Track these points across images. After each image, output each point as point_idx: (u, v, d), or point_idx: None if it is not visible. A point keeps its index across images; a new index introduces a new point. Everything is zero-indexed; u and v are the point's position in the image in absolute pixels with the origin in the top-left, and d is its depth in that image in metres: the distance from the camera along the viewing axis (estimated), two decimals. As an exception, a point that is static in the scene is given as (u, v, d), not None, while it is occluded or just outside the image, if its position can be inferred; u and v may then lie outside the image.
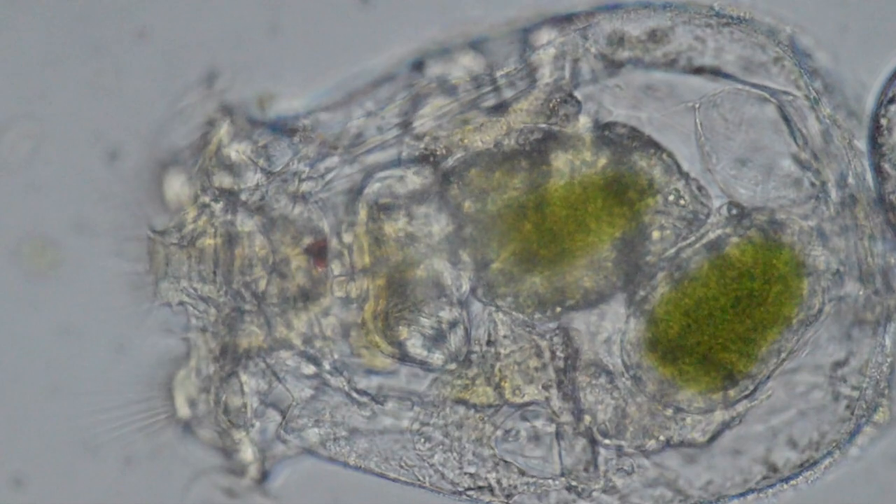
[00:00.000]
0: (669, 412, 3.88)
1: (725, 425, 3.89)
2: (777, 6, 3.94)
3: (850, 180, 3.89)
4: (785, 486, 3.95)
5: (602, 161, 3.84)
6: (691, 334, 3.83)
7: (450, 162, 3.89)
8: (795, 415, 3.91)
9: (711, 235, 3.85)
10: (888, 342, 3.91)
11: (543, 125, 3.88)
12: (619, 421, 3.89)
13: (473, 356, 3.90)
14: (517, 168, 3.85)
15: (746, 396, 3.86)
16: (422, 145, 3.90)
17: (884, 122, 3.90)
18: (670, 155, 3.86)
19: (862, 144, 3.91)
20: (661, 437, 3.89)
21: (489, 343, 3.90)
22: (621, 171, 3.83)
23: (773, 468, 3.93)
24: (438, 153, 3.90)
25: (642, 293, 3.85)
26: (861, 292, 3.88)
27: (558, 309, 3.87)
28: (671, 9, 3.91)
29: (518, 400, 3.91)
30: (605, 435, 3.89)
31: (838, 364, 3.90)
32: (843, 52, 3.94)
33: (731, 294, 3.82)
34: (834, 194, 3.88)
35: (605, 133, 3.86)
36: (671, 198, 3.83)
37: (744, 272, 3.83)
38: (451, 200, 3.87)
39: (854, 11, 3.96)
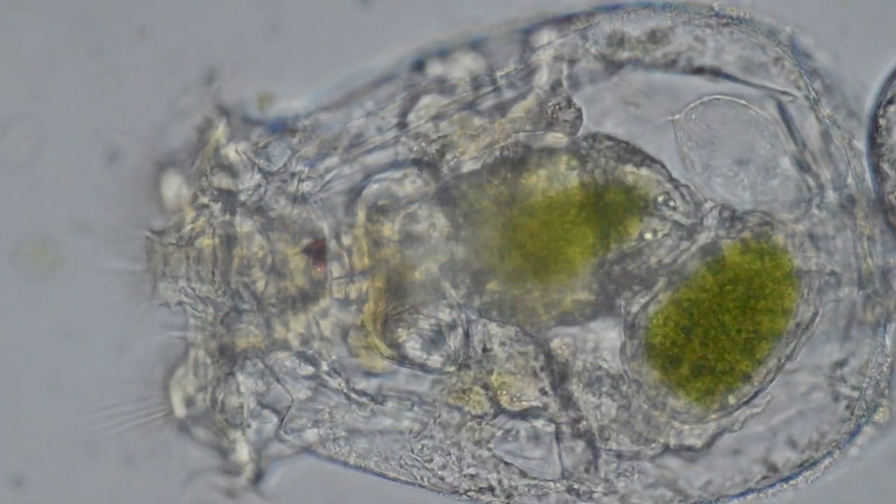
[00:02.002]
0: (666, 418, 3.87)
1: (723, 430, 3.89)
2: (777, 6, 3.94)
3: (850, 181, 3.89)
4: (785, 486, 3.95)
5: (583, 174, 3.83)
6: (686, 341, 3.82)
7: (444, 170, 3.89)
8: (795, 415, 3.91)
9: (705, 240, 3.84)
10: (888, 342, 3.91)
11: (526, 137, 3.87)
12: (621, 425, 3.89)
13: (471, 361, 3.90)
14: (502, 182, 3.85)
15: (745, 403, 3.86)
16: (415, 147, 3.90)
17: (882, 122, 3.89)
18: (660, 163, 3.85)
19: (861, 145, 3.91)
20: (661, 441, 3.89)
21: (484, 351, 3.89)
22: (605, 186, 3.83)
23: (773, 468, 3.93)
24: (433, 155, 3.90)
25: (639, 300, 3.84)
26: (860, 293, 3.88)
27: (552, 322, 3.86)
28: (671, 9, 3.91)
29: (515, 408, 3.91)
30: (606, 439, 3.89)
31: (838, 364, 3.90)
32: (843, 52, 3.94)
33: (726, 299, 3.82)
34: (831, 195, 3.88)
35: (589, 144, 3.85)
36: (661, 199, 3.83)
37: (737, 277, 3.82)
38: (447, 219, 3.86)
39: (854, 11, 3.96)
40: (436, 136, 3.89)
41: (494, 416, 3.91)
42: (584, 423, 3.89)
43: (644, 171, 3.82)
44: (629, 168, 3.83)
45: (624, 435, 3.89)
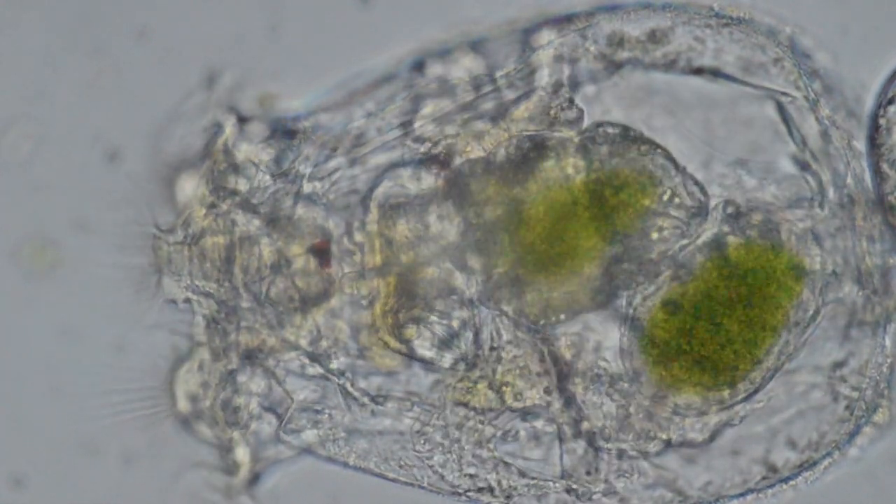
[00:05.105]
0: (667, 413, 3.88)
1: (724, 424, 3.89)
2: (777, 6, 3.94)
3: (849, 181, 3.89)
4: (784, 487, 3.95)
5: (589, 171, 3.83)
6: (687, 336, 3.83)
7: (452, 165, 3.89)
8: (795, 415, 3.91)
9: (708, 234, 3.84)
10: (888, 342, 3.91)
11: (532, 132, 3.87)
12: (621, 424, 3.89)
13: (478, 358, 3.91)
14: (509, 178, 3.84)
15: (745, 399, 3.86)
16: (422, 149, 3.90)
17: (882, 122, 3.90)
18: (665, 151, 3.85)
19: (861, 145, 3.91)
20: (663, 437, 3.89)
21: (492, 348, 3.90)
22: (611, 174, 3.82)
23: (773, 468, 3.93)
24: (440, 157, 3.90)
25: (641, 293, 3.85)
26: (859, 293, 3.88)
27: (562, 316, 3.86)
28: (671, 9, 3.91)
29: (519, 405, 3.91)
30: (607, 439, 3.89)
31: (838, 364, 3.90)
32: (843, 53, 3.94)
33: (729, 295, 3.82)
34: (832, 195, 3.88)
35: (598, 131, 3.85)
36: (665, 197, 3.83)
37: (741, 273, 3.82)
38: (455, 208, 3.87)
39: (854, 11, 3.96)
40: (440, 139, 3.90)
41: (498, 415, 3.91)
42: (585, 423, 3.89)
43: (650, 165, 3.82)
44: (632, 153, 3.83)
45: (625, 433, 3.89)
